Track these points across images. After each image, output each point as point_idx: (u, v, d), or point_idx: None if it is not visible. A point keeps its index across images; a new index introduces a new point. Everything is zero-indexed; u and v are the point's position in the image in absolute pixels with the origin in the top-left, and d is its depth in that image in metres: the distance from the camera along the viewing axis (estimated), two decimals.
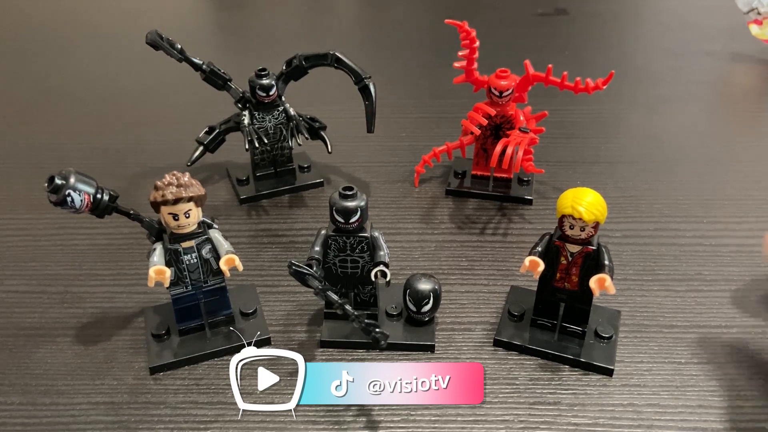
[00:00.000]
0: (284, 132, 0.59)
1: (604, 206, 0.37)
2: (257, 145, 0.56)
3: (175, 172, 0.38)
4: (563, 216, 0.38)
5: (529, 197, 0.59)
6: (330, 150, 0.59)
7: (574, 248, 0.39)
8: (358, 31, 1.06)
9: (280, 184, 0.61)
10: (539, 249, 0.40)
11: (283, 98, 0.58)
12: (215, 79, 0.57)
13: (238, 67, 0.60)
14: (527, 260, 0.39)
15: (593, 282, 0.38)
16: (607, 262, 0.39)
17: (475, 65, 0.55)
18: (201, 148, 0.59)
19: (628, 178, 0.62)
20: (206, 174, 0.64)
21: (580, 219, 0.37)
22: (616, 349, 0.43)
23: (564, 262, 0.40)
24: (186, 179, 0.38)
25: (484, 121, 0.54)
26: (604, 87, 0.54)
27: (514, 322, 0.44)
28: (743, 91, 0.83)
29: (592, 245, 0.39)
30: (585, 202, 0.37)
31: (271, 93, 0.56)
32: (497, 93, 0.55)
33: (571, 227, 0.38)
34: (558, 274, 0.41)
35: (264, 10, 1.11)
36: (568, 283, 0.41)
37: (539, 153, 0.61)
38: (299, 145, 0.59)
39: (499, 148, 0.52)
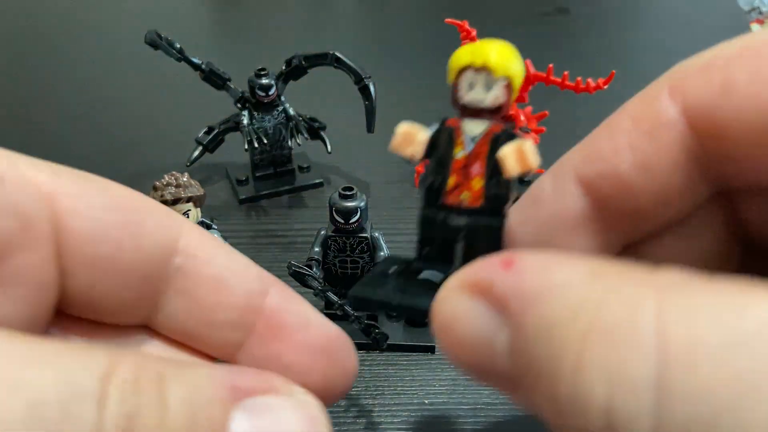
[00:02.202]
0: (284, 132, 0.58)
1: (519, 58, 0.24)
2: (256, 145, 0.56)
3: (174, 172, 0.38)
4: (460, 72, 0.24)
5: None
6: (329, 150, 0.59)
7: (476, 127, 0.24)
8: (357, 30, 1.06)
9: (279, 184, 0.61)
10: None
11: (282, 98, 0.58)
12: (214, 78, 0.57)
13: (238, 67, 0.60)
14: (399, 128, 0.24)
15: (507, 152, 0.23)
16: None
17: None
18: (200, 148, 0.59)
19: None
20: (205, 174, 0.63)
21: (484, 68, 0.23)
22: None
23: (460, 155, 0.25)
24: (185, 179, 0.38)
25: None
26: (606, 87, 0.54)
27: (386, 280, 0.26)
28: None
29: (503, 126, 0.25)
30: (492, 46, 0.24)
31: (270, 93, 0.56)
32: None
33: (471, 86, 0.24)
34: (452, 177, 0.25)
35: (263, 10, 1.11)
36: (467, 191, 0.25)
37: (540, 153, 0.60)
38: (299, 145, 0.58)
39: None
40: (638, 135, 0.23)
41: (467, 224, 0.25)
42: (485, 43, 0.24)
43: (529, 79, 0.55)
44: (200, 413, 0.18)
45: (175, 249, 0.25)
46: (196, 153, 0.59)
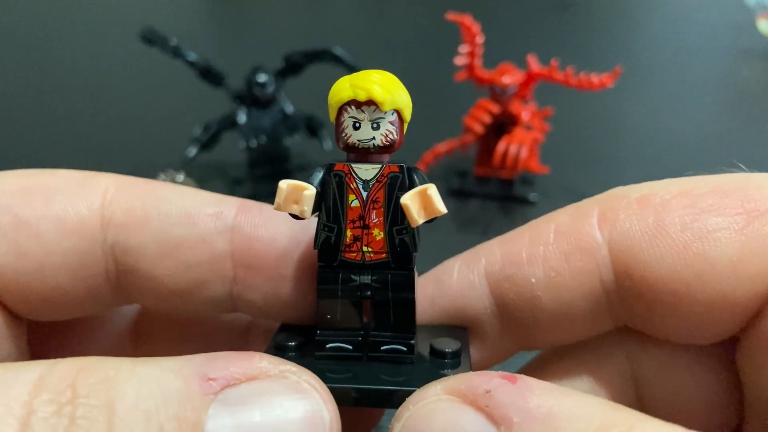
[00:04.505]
0: (281, 130, 0.57)
1: (404, 88, 0.22)
2: (253, 143, 0.55)
3: (170, 170, 0.37)
4: (341, 109, 0.22)
5: (532, 197, 0.57)
6: (326, 147, 0.58)
7: (369, 171, 0.22)
8: (357, 26, 1.05)
9: (277, 183, 0.59)
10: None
11: (280, 96, 0.57)
12: (211, 76, 0.56)
13: (235, 64, 0.59)
14: (282, 185, 0.22)
15: (410, 197, 0.21)
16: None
17: (478, 61, 0.54)
18: (197, 146, 0.58)
19: (636, 178, 0.61)
20: (202, 173, 0.62)
21: (371, 101, 0.21)
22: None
23: (355, 203, 0.22)
24: (181, 178, 0.37)
25: (488, 119, 0.53)
26: (611, 85, 0.53)
27: (288, 357, 0.22)
28: (753, 87, 0.82)
29: (398, 163, 0.22)
30: (374, 78, 0.22)
31: (268, 90, 0.55)
32: (500, 90, 0.53)
33: (357, 126, 0.22)
34: (349, 231, 0.22)
35: (261, 6, 1.09)
36: (369, 245, 0.22)
37: (543, 151, 0.59)
38: (297, 143, 0.57)
39: (501, 146, 0.51)
40: (556, 251, 0.22)
41: (374, 281, 0.22)
42: (365, 74, 0.22)
43: (532, 76, 0.54)
44: (165, 413, 0.16)
45: (98, 228, 0.22)
46: (193, 151, 0.58)
